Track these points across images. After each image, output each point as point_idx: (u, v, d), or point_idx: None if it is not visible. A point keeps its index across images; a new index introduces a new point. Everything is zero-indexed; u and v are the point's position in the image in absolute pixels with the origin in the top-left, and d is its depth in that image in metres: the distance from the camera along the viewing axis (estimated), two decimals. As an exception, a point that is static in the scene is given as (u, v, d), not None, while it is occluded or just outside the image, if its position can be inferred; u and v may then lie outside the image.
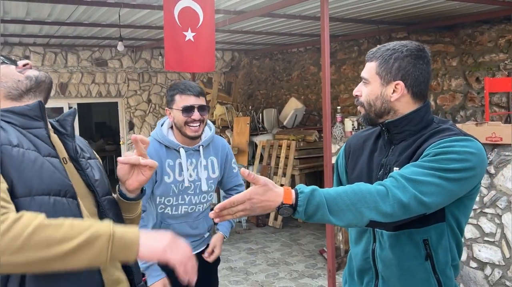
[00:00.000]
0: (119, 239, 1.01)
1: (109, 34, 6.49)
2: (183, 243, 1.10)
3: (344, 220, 1.17)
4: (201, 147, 2.16)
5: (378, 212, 1.16)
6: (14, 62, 1.26)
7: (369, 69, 1.40)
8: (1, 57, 1.26)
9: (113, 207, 1.28)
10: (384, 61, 1.36)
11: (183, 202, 2.16)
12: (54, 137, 1.24)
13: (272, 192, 1.13)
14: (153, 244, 1.04)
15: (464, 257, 3.70)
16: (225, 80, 8.97)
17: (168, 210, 2.15)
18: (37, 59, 7.18)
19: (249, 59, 9.07)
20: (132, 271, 1.27)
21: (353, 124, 5.36)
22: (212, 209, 1.19)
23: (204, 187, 2.16)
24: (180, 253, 1.06)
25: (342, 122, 5.43)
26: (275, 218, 6.36)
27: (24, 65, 1.26)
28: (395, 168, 1.34)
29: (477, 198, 3.56)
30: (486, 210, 3.53)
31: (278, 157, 6.39)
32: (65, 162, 1.21)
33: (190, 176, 2.12)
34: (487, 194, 3.51)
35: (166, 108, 2.14)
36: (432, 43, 6.11)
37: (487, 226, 3.53)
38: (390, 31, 6.39)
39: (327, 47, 3.57)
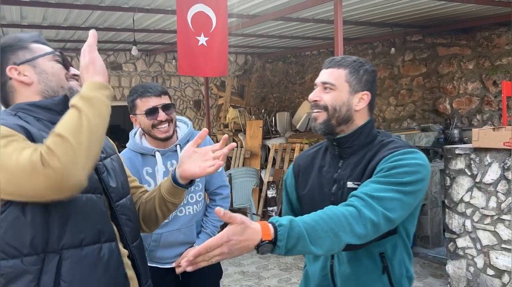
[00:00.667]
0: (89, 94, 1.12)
1: (123, 38, 6.56)
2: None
3: (324, 248, 1.13)
4: (178, 146, 2.03)
5: (353, 234, 1.16)
6: (66, 65, 1.29)
7: (337, 76, 1.41)
8: (57, 53, 1.28)
9: (126, 211, 1.31)
10: (354, 70, 1.41)
11: None
12: None
13: (250, 229, 1.04)
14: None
15: (481, 264, 3.62)
16: (238, 84, 8.98)
17: None
18: (53, 63, 7.28)
19: (262, 63, 9.07)
20: (140, 272, 1.32)
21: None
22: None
23: None
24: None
25: (355, 126, 5.39)
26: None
27: (74, 75, 1.28)
28: (348, 183, 1.37)
29: (495, 204, 3.49)
30: (504, 217, 3.46)
31: (291, 160, 6.36)
32: None
33: None
34: (505, 200, 3.43)
35: (131, 115, 2.03)
36: (448, 46, 6.03)
37: (505, 233, 3.46)
38: (405, 34, 6.33)
39: (341, 50, 3.54)
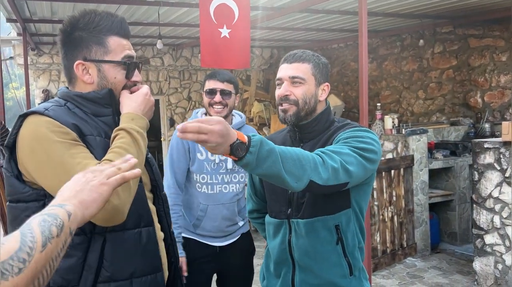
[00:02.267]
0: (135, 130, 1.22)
1: (150, 33, 6.65)
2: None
3: (290, 174, 1.19)
4: None
5: (317, 173, 1.24)
6: (129, 75, 1.27)
7: (304, 70, 1.51)
8: (125, 63, 1.26)
9: (166, 201, 1.42)
10: (316, 65, 1.53)
11: (217, 181, 2.27)
12: None
13: (228, 127, 1.12)
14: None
15: (509, 261, 3.51)
16: (263, 78, 8.97)
17: (204, 189, 2.26)
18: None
19: (288, 56, 9.01)
20: (176, 254, 1.42)
21: (393, 121, 5.21)
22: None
23: (230, 165, 2.26)
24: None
25: (382, 119, 5.29)
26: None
27: (135, 84, 1.30)
28: None
29: (525, 201, 3.36)
30: (535, 213, 3.33)
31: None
32: None
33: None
34: (536, 196, 3.30)
35: (202, 92, 2.33)
36: (480, 37, 5.82)
37: (536, 230, 3.33)
38: (434, 25, 6.15)
39: (365, 43, 3.47)
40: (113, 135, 1.19)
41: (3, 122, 1.96)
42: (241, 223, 2.37)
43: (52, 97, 7.79)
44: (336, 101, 7.00)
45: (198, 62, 8.26)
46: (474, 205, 3.77)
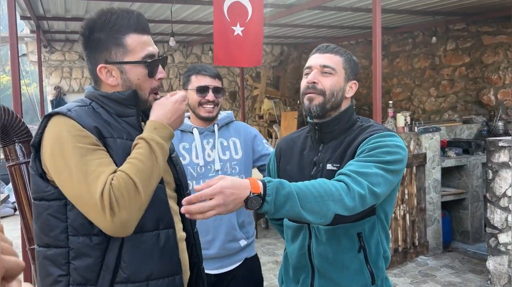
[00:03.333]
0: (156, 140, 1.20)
1: (162, 30, 6.67)
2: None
3: (313, 213, 1.14)
4: (215, 125, 2.03)
5: (342, 205, 1.18)
6: (153, 72, 1.25)
7: (336, 62, 1.45)
8: (147, 62, 1.23)
9: None
10: (348, 60, 1.48)
11: None
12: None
13: (238, 180, 1.09)
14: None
15: (524, 261, 3.48)
16: (273, 75, 8.96)
17: None
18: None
19: (299, 53, 8.99)
20: (199, 254, 1.40)
21: (405, 119, 5.18)
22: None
23: (218, 166, 1.96)
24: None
25: (394, 117, 5.27)
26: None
27: (158, 86, 1.28)
28: (328, 165, 1.42)
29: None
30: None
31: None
32: None
33: (209, 155, 1.98)
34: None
35: (182, 90, 1.97)
36: (494, 34, 5.76)
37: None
38: (447, 22, 6.10)
39: (379, 40, 3.46)
40: (134, 143, 1.18)
41: (21, 119, 1.97)
42: (243, 243, 1.94)
43: (64, 94, 7.90)
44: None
45: (209, 59, 8.27)
46: (488, 204, 3.75)
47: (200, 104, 1.97)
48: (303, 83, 1.47)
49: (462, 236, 5.08)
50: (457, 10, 5.55)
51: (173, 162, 1.35)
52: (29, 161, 1.28)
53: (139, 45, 1.23)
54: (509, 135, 5.06)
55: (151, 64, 1.24)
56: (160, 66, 1.27)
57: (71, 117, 1.16)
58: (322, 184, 1.19)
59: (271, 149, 2.09)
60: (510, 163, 3.55)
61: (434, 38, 6.20)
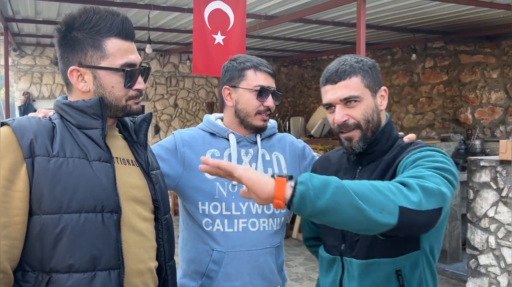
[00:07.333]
0: None
1: (138, 37, 6.47)
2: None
3: (368, 202, 0.94)
4: (258, 136, 1.56)
5: (404, 197, 0.98)
6: (131, 82, 1.11)
7: (356, 86, 1.26)
8: (126, 70, 1.10)
9: (169, 227, 1.23)
10: (366, 73, 1.28)
11: (238, 212, 1.45)
12: (116, 139, 1.15)
13: (262, 182, 0.96)
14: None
15: (504, 283, 3.42)
16: (252, 87, 8.87)
17: (218, 226, 1.44)
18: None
19: (278, 66, 8.94)
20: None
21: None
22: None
23: None
24: None
25: (373, 133, 5.22)
26: (299, 230, 6.16)
27: (136, 95, 1.12)
28: None
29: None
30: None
31: (304, 167, 6.20)
32: (126, 163, 1.13)
33: None
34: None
35: (225, 87, 1.55)
36: (471, 53, 5.83)
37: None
38: (426, 40, 6.15)
39: (363, 55, 3.39)
40: None
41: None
42: None
43: (34, 100, 7.56)
44: (326, 113, 6.92)
45: (186, 69, 8.10)
46: (469, 225, 3.69)
47: (259, 112, 1.50)
48: (331, 120, 1.30)
49: (440, 256, 5.03)
50: (437, 28, 5.60)
51: (151, 180, 1.17)
52: None
53: (120, 51, 1.09)
54: (486, 154, 5.07)
55: (129, 73, 1.09)
56: (140, 77, 1.12)
57: (12, 128, 1.01)
58: (372, 182, 1.01)
59: None
60: (491, 183, 3.51)
61: (414, 55, 6.23)
